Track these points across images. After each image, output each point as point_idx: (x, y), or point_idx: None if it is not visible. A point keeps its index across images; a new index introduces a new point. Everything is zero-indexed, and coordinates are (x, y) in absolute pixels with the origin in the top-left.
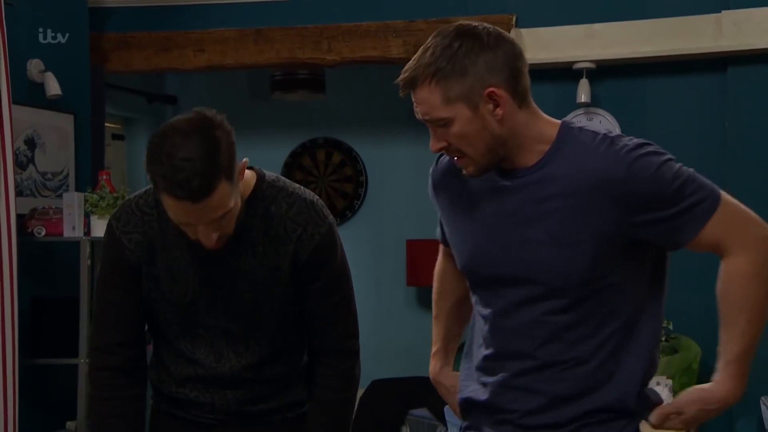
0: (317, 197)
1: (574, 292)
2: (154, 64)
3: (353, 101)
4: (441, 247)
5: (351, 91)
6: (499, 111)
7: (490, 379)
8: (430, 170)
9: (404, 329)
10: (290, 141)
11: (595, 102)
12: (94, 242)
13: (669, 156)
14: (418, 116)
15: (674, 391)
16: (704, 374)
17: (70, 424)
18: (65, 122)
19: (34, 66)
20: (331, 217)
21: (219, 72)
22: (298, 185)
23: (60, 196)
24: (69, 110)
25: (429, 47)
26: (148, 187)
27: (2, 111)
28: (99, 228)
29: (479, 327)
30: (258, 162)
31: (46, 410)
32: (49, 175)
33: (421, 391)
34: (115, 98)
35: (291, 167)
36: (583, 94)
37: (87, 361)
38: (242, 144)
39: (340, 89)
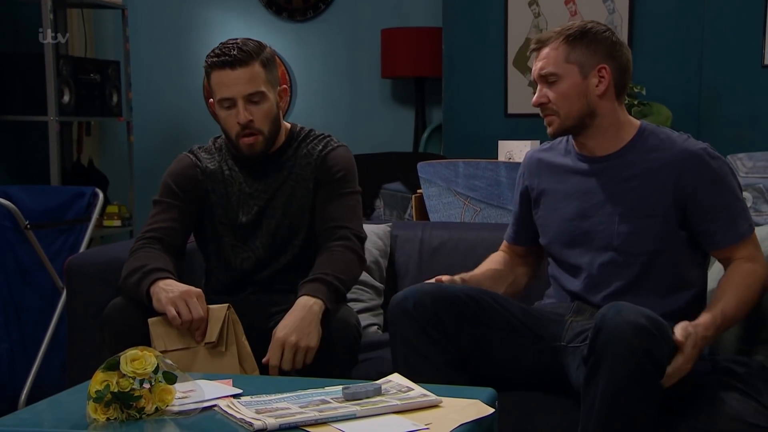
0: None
1: (643, 258)
2: None
3: None
4: (505, 244)
5: None
6: (601, 86)
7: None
8: (525, 157)
9: (379, 123)
10: None
11: None
12: None
13: (733, 173)
14: (533, 76)
15: None
16: None
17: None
18: None
19: None
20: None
21: None
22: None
23: None
24: None
25: (577, 22)
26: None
27: None
28: None
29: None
30: None
31: (21, 170)
32: None
33: (393, 166)
34: None
35: None
36: None
37: (57, 119)
38: None
39: None
